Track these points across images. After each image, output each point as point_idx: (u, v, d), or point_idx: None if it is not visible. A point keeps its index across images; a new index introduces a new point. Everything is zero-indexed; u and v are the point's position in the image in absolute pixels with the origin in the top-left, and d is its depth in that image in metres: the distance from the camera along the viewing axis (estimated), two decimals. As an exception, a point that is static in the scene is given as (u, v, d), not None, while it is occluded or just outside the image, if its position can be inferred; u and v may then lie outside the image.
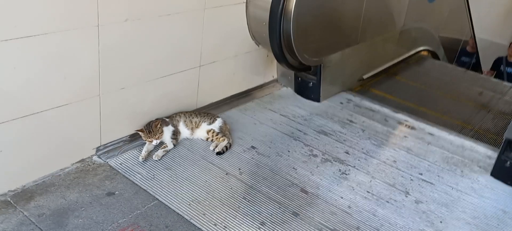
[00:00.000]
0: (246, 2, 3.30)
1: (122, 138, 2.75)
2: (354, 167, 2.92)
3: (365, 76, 4.37)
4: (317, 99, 3.77)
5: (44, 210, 2.17)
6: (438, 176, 2.97)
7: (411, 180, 2.87)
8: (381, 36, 4.53)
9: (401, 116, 3.71)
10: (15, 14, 1.99)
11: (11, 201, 2.19)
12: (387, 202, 2.63)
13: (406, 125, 3.59)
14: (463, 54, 7.36)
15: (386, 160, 3.05)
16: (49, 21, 2.13)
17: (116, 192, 2.37)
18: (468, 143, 3.40)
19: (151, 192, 2.41)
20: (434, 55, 5.99)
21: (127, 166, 2.59)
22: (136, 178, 2.50)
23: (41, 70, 2.18)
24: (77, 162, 2.54)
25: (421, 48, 5.60)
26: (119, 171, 2.54)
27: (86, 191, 2.35)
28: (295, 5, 3.12)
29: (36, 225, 2.07)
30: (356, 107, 3.79)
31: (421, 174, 2.95)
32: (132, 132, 2.78)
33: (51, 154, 2.39)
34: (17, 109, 2.15)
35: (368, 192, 2.69)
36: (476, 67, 7.27)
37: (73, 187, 2.36)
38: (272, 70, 3.91)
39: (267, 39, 3.28)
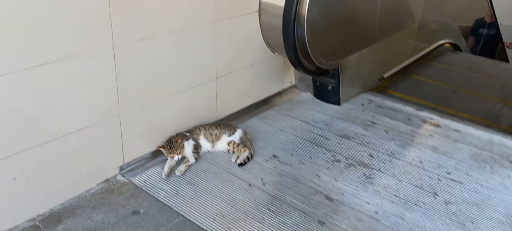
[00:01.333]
0: (259, 10, 3.29)
1: (144, 155, 2.77)
2: (379, 170, 2.86)
3: (385, 75, 4.30)
4: (337, 102, 3.72)
5: (71, 233, 2.20)
6: (467, 174, 2.88)
7: (439, 180, 2.80)
8: (399, 33, 4.45)
9: (425, 114, 3.64)
10: (32, 43, 2.03)
11: (40, 226, 2.23)
12: (415, 204, 2.56)
13: (430, 123, 3.51)
14: (480, 26, 6.75)
15: (412, 161, 2.98)
16: (66, 46, 2.17)
17: (141, 210, 2.39)
18: (497, 138, 3.30)
19: (175, 208, 2.41)
20: (456, 47, 5.85)
21: (150, 183, 2.61)
22: (160, 195, 2.51)
23: (61, 95, 2.22)
24: (102, 182, 2.57)
25: (442, 41, 5.48)
26: (143, 188, 2.55)
27: (111, 211, 2.37)
28: (308, 9, 3.10)
29: (65, 249, 2.10)
30: (378, 108, 3.73)
31: (449, 173, 2.87)
32: (154, 148, 2.80)
33: (76, 176, 2.43)
34: (41, 135, 2.19)
35: (395, 195, 2.63)
36: (495, 38, 6.71)
37: (99, 207, 2.39)
38: (290, 76, 3.89)
39: (282, 46, 3.26)
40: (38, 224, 2.24)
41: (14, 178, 2.14)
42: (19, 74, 2.02)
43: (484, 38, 6.68)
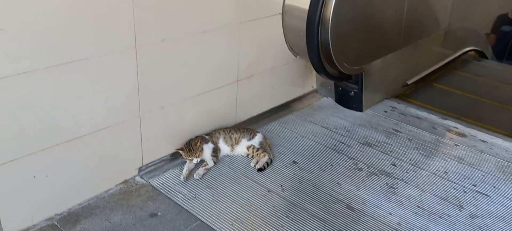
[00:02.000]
0: (282, 13, 3.24)
1: (163, 157, 2.75)
2: (402, 180, 2.78)
3: (409, 82, 4.20)
4: (359, 108, 3.65)
5: (89, 234, 2.19)
6: (494, 186, 2.78)
7: (465, 192, 2.71)
8: (425, 39, 4.34)
9: (450, 123, 3.53)
10: (55, 42, 2.03)
11: (58, 225, 2.23)
12: (440, 217, 2.48)
13: (456, 132, 3.41)
14: (504, 23, 6.23)
15: (437, 171, 2.89)
16: (88, 46, 2.16)
17: (159, 213, 2.36)
18: (525, 150, 3.18)
19: (193, 212, 2.38)
20: (482, 55, 5.69)
21: (169, 185, 2.58)
22: (178, 198, 2.49)
23: (81, 95, 2.21)
24: (121, 183, 2.56)
25: (467, 48, 5.34)
26: (161, 191, 2.53)
27: (129, 212, 2.35)
28: (333, 13, 3.04)
29: (82, 250, 2.09)
30: (401, 115, 3.64)
31: (475, 186, 2.78)
32: (173, 151, 2.78)
33: (95, 176, 2.42)
34: (61, 135, 2.19)
35: (418, 206, 2.55)
36: None
37: (117, 209, 2.37)
38: (311, 80, 3.83)
39: (304, 50, 3.21)
40: (56, 223, 2.24)
41: (34, 177, 2.14)
42: (41, 72, 2.01)
43: (508, 36, 6.29)
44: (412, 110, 3.72)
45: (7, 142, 2.00)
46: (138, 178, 2.61)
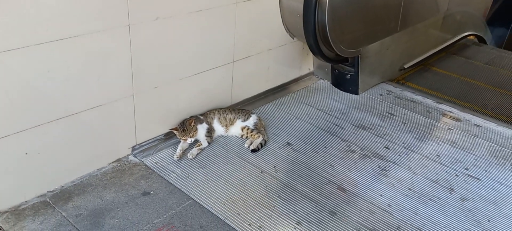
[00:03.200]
0: (279, -6, 3.22)
1: (157, 136, 2.76)
2: (395, 162, 2.80)
3: (406, 66, 4.19)
4: (355, 91, 3.65)
5: (81, 211, 2.20)
6: (486, 170, 2.79)
7: (456, 175, 2.72)
8: (424, 23, 4.32)
9: (445, 107, 3.54)
10: (46, 18, 2.01)
11: (50, 202, 2.24)
12: (430, 199, 2.50)
13: (450, 117, 3.42)
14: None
15: (429, 155, 2.90)
16: (81, 23, 2.14)
17: (151, 192, 2.38)
18: (519, 135, 3.19)
19: (185, 191, 2.40)
20: (481, 40, 5.66)
21: (162, 165, 2.59)
22: (171, 177, 2.50)
23: (75, 72, 2.21)
24: (114, 161, 2.57)
25: (466, 33, 5.31)
26: (154, 170, 2.55)
27: (122, 191, 2.37)
28: (330, -6, 3.02)
29: (74, 226, 2.11)
30: (396, 99, 3.64)
31: (467, 169, 2.79)
32: (167, 130, 2.78)
33: (88, 154, 2.43)
34: (54, 112, 2.19)
35: (409, 189, 2.57)
36: None
37: (109, 187, 2.39)
38: (308, 63, 3.82)
39: (301, 31, 3.20)
40: (48, 200, 2.25)
41: (26, 154, 2.15)
42: (34, 48, 2.01)
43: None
44: (408, 94, 3.72)
45: (-1, 118, 2.00)
46: (131, 157, 2.62)
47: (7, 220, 2.10)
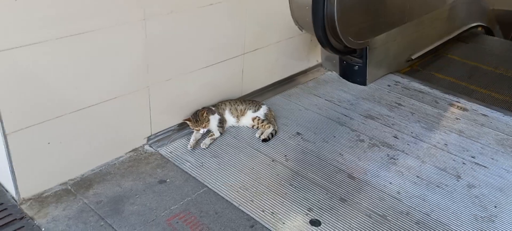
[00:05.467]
0: (289, -13, 3.28)
1: (171, 127, 2.84)
2: (403, 151, 2.86)
3: (413, 57, 4.24)
4: (363, 82, 3.71)
5: (102, 198, 2.29)
6: (492, 159, 2.85)
7: (463, 163, 2.78)
8: (430, 14, 4.36)
9: (452, 97, 3.59)
10: (65, 13, 2.09)
11: (72, 189, 2.34)
12: (438, 187, 2.56)
13: (458, 106, 3.47)
14: None
15: (437, 144, 2.97)
16: (98, 18, 2.22)
17: (168, 180, 2.46)
18: (525, 124, 3.24)
19: (200, 180, 2.48)
20: (488, 32, 5.68)
21: (176, 154, 2.68)
22: (186, 166, 2.58)
23: (93, 65, 2.29)
24: (130, 151, 2.65)
25: (473, 24, 5.33)
26: (169, 159, 2.63)
27: (139, 179, 2.45)
28: (338, -13, 3.07)
29: (95, 212, 2.20)
30: (404, 89, 3.69)
31: (474, 157, 2.85)
32: (180, 121, 2.86)
33: (107, 144, 2.52)
34: (73, 103, 2.28)
35: (417, 177, 2.63)
36: None
37: (127, 175, 2.47)
38: (316, 54, 3.88)
39: (310, 24, 3.26)
40: (70, 188, 2.35)
41: (48, 143, 2.23)
42: (53, 43, 2.09)
43: None
44: (415, 84, 3.77)
45: (22, 108, 2.09)
46: (147, 147, 2.71)
47: (31, 207, 2.20)
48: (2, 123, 2.03)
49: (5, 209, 2.19)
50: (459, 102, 3.52)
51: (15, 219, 2.13)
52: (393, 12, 3.84)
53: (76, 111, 2.29)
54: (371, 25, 3.62)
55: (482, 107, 3.45)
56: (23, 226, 2.10)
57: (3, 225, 2.09)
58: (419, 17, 4.12)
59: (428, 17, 4.31)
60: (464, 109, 3.43)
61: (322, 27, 3.19)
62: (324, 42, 3.31)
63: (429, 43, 4.47)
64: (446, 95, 3.61)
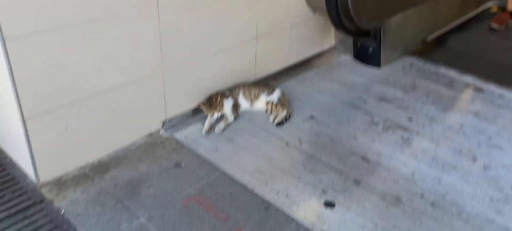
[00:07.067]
0: (301, -31, 3.25)
1: (185, 111, 2.86)
2: (418, 133, 2.84)
3: (429, 38, 4.18)
4: (377, 65, 3.68)
5: (119, 181, 2.34)
6: (509, 140, 2.82)
7: (479, 145, 2.76)
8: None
9: (468, 78, 3.54)
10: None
11: (89, 173, 2.38)
12: (453, 168, 2.55)
13: (473, 88, 3.42)
14: None
15: (452, 126, 2.94)
16: (113, 4, 2.24)
17: (183, 164, 2.50)
18: (544, 105, 3.19)
19: (215, 163, 2.51)
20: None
21: (191, 138, 2.70)
22: (201, 150, 2.61)
23: (108, 50, 2.31)
24: (146, 135, 2.69)
25: (490, 3, 5.23)
26: (184, 143, 2.66)
27: (155, 163, 2.49)
28: (351, -33, 3.04)
29: (113, 195, 2.24)
30: (419, 71, 3.66)
31: (490, 139, 2.82)
32: (195, 105, 2.88)
33: (123, 129, 2.55)
34: (89, 88, 2.31)
35: (432, 159, 2.62)
36: None
37: (143, 159, 2.51)
38: (330, 38, 3.86)
39: (323, 6, 3.23)
40: (87, 171, 2.39)
41: (66, 128, 2.28)
42: (70, 28, 2.11)
43: None
44: (431, 66, 3.73)
45: (39, 93, 2.12)
46: (162, 131, 2.74)
47: (50, 191, 2.25)
48: (20, 107, 2.07)
49: (26, 192, 2.24)
50: (475, 84, 3.47)
51: (35, 202, 2.19)
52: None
53: (92, 97, 2.32)
54: (385, 5, 3.57)
55: (499, 89, 3.39)
56: (43, 209, 2.15)
57: (24, 208, 2.15)
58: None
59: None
60: (480, 90, 3.39)
61: (335, 8, 3.16)
62: (338, 23, 3.28)
63: (445, 24, 4.40)
64: (462, 77, 3.56)
